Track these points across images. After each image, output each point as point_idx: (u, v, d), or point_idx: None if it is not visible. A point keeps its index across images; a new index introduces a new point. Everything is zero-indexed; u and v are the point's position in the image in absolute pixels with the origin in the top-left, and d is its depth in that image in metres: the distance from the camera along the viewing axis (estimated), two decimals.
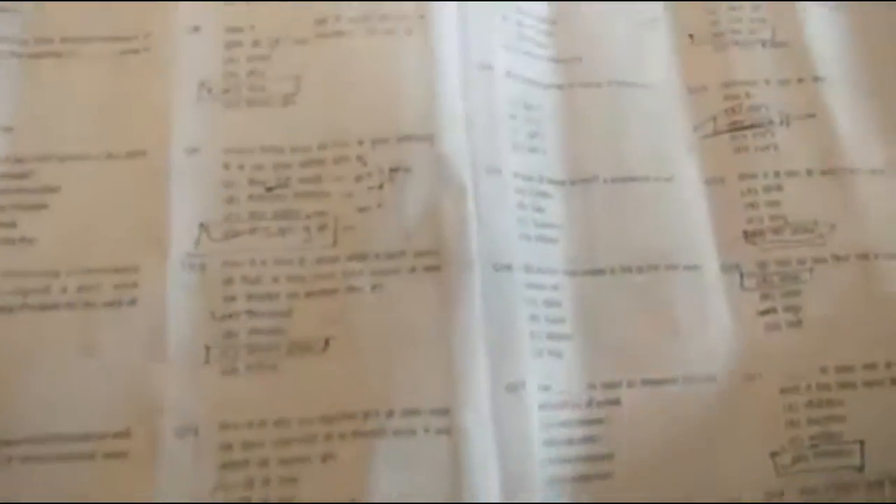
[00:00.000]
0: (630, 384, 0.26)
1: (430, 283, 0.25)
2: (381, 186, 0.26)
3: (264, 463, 0.23)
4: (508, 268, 0.26)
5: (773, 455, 0.25)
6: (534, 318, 0.26)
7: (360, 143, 0.27)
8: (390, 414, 0.24)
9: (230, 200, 0.26)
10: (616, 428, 0.25)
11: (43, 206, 0.26)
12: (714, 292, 0.27)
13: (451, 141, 0.27)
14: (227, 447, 0.23)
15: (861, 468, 0.25)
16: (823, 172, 0.29)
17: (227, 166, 0.27)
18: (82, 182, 0.26)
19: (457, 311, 0.25)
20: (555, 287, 0.27)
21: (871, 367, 0.26)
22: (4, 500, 0.23)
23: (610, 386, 0.26)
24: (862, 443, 0.25)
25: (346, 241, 0.26)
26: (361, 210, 0.26)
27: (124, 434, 0.23)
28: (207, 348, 0.24)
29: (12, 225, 0.26)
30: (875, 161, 0.29)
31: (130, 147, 0.27)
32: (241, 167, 0.27)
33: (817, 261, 0.27)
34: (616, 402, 0.26)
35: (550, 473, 0.24)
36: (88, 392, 0.24)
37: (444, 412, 0.24)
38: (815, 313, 0.27)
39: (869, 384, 0.26)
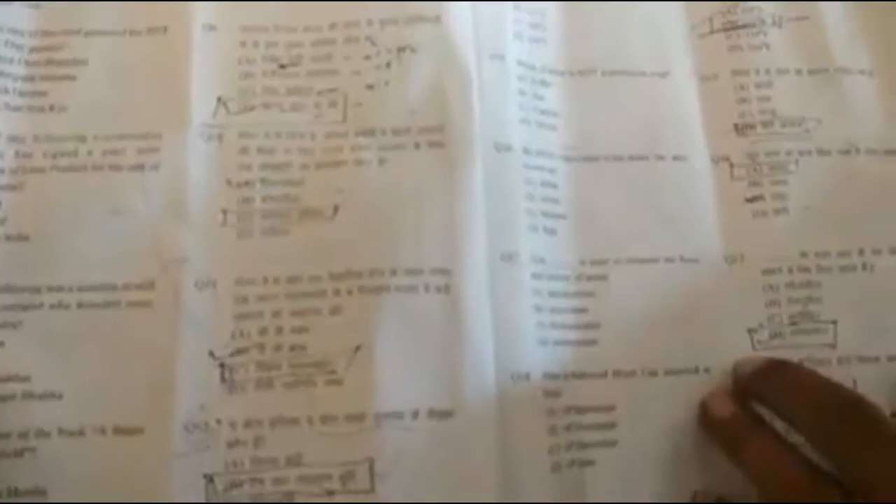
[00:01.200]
0: (617, 262, 0.27)
1: (434, 158, 0.27)
2: (388, 65, 0.28)
3: (277, 314, 0.25)
4: (508, 148, 0.28)
5: (751, 331, 0.27)
6: (530, 196, 0.28)
7: (370, 23, 0.28)
8: (393, 272, 0.25)
9: (246, 76, 0.28)
10: (603, 301, 0.27)
11: (72, 78, 0.28)
12: (703, 181, 0.29)
13: (457, 24, 0.28)
14: (243, 299, 0.25)
15: (833, 345, 0.27)
16: (812, 72, 0.30)
17: (243, 44, 0.28)
18: (107, 56, 0.28)
19: (459, 183, 0.26)
20: (551, 170, 0.28)
21: (845, 253, 0.28)
22: (35, 342, 0.25)
23: (599, 263, 0.27)
24: (835, 322, 0.27)
25: (355, 117, 0.27)
26: (369, 87, 0.28)
27: (148, 285, 0.25)
28: (224, 212, 0.26)
29: (43, 94, 0.27)
30: (861, 63, 0.30)
31: (152, 23, 0.28)
32: (255, 45, 0.28)
33: (803, 153, 0.29)
34: (604, 277, 0.27)
35: (540, 336, 0.26)
36: (114, 247, 0.26)
37: (444, 272, 0.25)
38: (799, 201, 0.28)
39: (843, 269, 0.28)
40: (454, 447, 0.24)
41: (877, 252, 0.28)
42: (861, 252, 0.28)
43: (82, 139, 0.27)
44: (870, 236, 0.28)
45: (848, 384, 0.26)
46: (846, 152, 0.29)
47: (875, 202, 0.28)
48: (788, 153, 0.29)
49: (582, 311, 0.27)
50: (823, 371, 0.25)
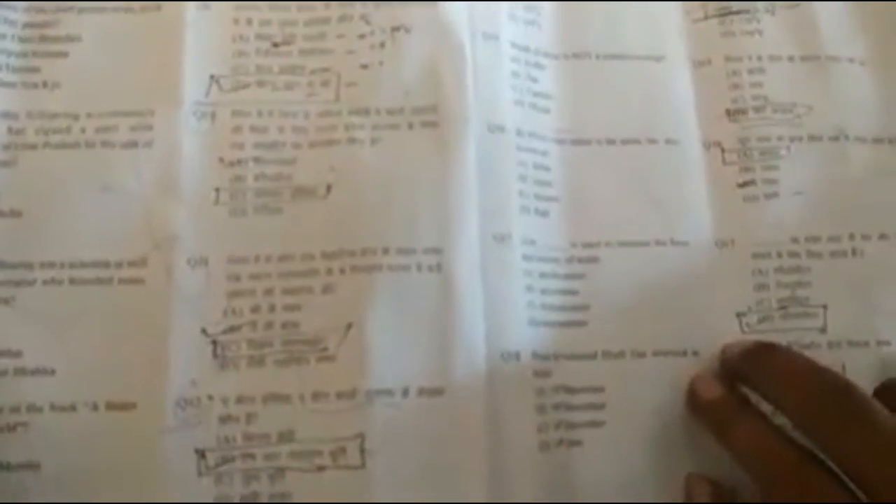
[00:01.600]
0: (608, 244, 0.28)
1: (427, 138, 0.27)
2: (382, 45, 0.28)
3: (269, 292, 0.25)
4: (501, 129, 0.28)
5: (740, 315, 0.27)
6: (523, 178, 0.28)
7: (364, 2, 0.28)
8: (386, 251, 0.25)
9: (239, 54, 0.28)
10: (593, 283, 0.27)
11: (64, 54, 0.28)
12: (695, 166, 0.29)
13: (451, 5, 0.28)
14: (236, 277, 0.25)
15: (823, 329, 0.27)
16: (803, 59, 0.30)
17: (236, 22, 0.28)
18: (101, 33, 0.28)
19: (452, 163, 0.27)
20: (544, 153, 0.28)
21: (835, 238, 0.28)
22: (28, 318, 0.25)
23: (590, 245, 0.28)
24: (825, 307, 0.27)
25: (348, 97, 0.27)
26: (363, 67, 0.28)
27: (140, 262, 0.25)
28: (217, 190, 0.26)
29: (36, 70, 0.27)
30: (852, 51, 0.30)
31: (145, 1, 0.28)
32: (249, 23, 0.28)
33: (794, 139, 0.29)
34: (594, 259, 0.27)
35: (530, 316, 0.26)
36: (107, 224, 0.26)
37: (437, 251, 0.26)
38: (790, 187, 0.28)
39: (833, 254, 0.28)
40: (444, 424, 0.24)
41: (866, 238, 0.28)
42: (851, 237, 0.28)
43: (75, 116, 0.27)
44: (859, 222, 0.28)
45: (837, 368, 0.26)
46: (836, 139, 0.29)
47: (864, 189, 0.29)
48: (780, 139, 0.29)
49: (572, 292, 0.27)
50: (813, 355, 0.25)
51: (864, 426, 0.21)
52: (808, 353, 0.26)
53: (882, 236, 0.28)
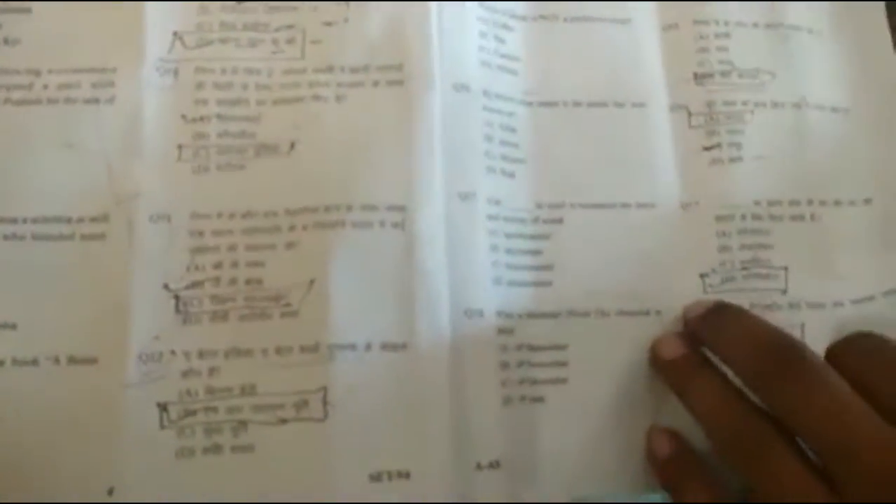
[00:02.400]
0: (573, 206, 0.28)
1: (392, 97, 0.27)
2: (347, 2, 0.28)
3: (233, 248, 0.25)
4: (467, 89, 0.28)
5: (703, 276, 0.28)
6: (489, 138, 0.28)
7: None
8: (349, 208, 0.25)
9: (202, 11, 0.28)
10: (558, 244, 0.27)
11: (27, 11, 0.27)
12: (661, 129, 0.29)
13: None
14: (199, 233, 0.25)
15: (784, 291, 0.28)
16: (767, 26, 0.30)
17: None
18: None
19: (416, 121, 0.27)
20: (511, 114, 0.28)
21: (795, 203, 0.28)
22: None
23: (555, 206, 0.28)
24: (786, 269, 0.28)
25: (313, 54, 0.27)
26: (328, 24, 0.28)
27: (102, 218, 0.25)
28: (180, 147, 0.26)
29: None
30: (814, 22, 0.31)
31: None
32: None
33: (758, 104, 0.29)
34: (559, 220, 0.28)
35: (495, 275, 0.26)
36: (69, 180, 0.26)
37: (400, 209, 0.26)
38: (753, 151, 0.29)
39: (793, 218, 0.28)
40: (407, 379, 0.24)
41: (823, 203, 0.28)
42: (810, 202, 0.28)
43: (37, 73, 0.27)
44: (817, 188, 0.29)
45: (797, 329, 0.27)
46: (797, 106, 0.29)
47: (821, 156, 0.29)
48: (745, 104, 0.29)
49: (537, 252, 0.27)
50: (774, 315, 0.26)
51: (809, 385, 0.22)
52: (769, 314, 0.26)
53: (837, 202, 0.29)
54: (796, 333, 0.26)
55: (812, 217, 0.28)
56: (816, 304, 0.27)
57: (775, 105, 0.29)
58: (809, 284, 0.28)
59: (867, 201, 0.29)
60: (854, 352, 0.23)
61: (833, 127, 0.29)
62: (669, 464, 0.25)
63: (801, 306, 0.27)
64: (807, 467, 0.21)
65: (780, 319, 0.25)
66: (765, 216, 0.28)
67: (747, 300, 0.27)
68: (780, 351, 0.23)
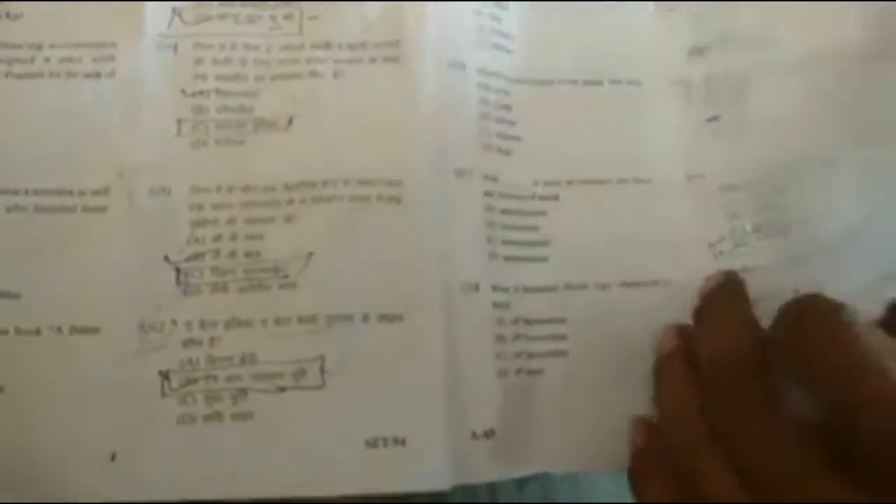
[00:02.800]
0: (569, 182, 0.28)
1: (388, 73, 0.27)
2: None
3: (232, 221, 0.26)
4: (462, 66, 0.28)
5: (711, 245, 0.27)
6: (485, 116, 0.28)
7: None
8: (346, 182, 0.26)
9: None
10: (554, 220, 0.28)
11: None
12: (661, 104, 0.29)
13: None
14: (198, 207, 0.26)
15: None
16: None
17: None
18: None
19: (412, 98, 0.27)
20: (506, 92, 0.29)
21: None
22: None
23: (551, 184, 0.28)
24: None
25: (311, 30, 0.28)
26: (326, 1, 0.28)
27: (103, 191, 0.26)
28: (179, 122, 0.27)
29: None
30: None
31: None
32: None
33: (761, 68, 0.29)
34: (556, 197, 0.28)
35: (490, 250, 0.27)
36: (70, 153, 0.26)
37: (396, 183, 0.26)
38: (756, 120, 0.28)
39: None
40: (402, 349, 0.25)
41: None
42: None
43: (38, 47, 0.27)
44: (823, 147, 0.28)
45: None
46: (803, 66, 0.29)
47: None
48: (746, 71, 0.29)
49: (533, 228, 0.27)
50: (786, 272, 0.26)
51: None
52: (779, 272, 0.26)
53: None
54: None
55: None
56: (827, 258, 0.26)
57: (776, 70, 0.29)
58: (820, 238, 0.27)
59: None
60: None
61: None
62: (639, 456, 0.25)
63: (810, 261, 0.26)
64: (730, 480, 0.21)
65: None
66: (775, 179, 0.27)
67: (762, 261, 0.27)
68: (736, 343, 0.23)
